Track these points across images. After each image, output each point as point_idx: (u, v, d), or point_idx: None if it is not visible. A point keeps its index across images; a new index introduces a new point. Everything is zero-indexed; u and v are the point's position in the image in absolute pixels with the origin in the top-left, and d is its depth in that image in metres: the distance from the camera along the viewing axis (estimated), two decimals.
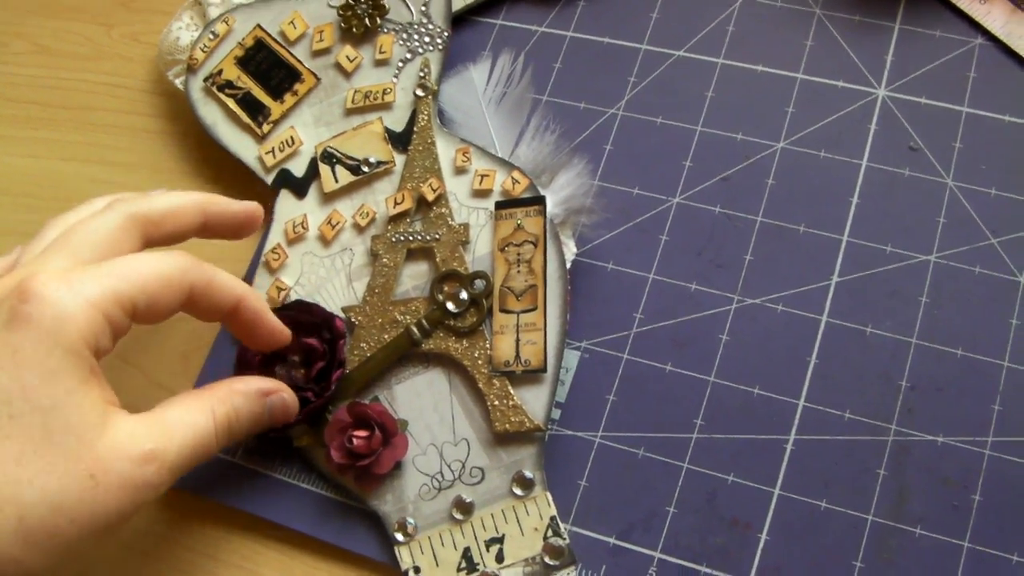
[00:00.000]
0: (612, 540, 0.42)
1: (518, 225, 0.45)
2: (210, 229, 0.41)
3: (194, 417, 0.37)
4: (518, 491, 0.42)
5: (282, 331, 0.42)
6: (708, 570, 0.40)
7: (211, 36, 0.52)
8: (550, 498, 0.42)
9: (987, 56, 0.48)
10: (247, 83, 0.51)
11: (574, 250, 0.45)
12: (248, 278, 0.49)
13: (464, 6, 0.53)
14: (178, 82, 0.54)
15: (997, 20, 0.48)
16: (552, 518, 0.42)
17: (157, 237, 0.39)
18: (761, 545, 0.40)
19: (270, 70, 0.51)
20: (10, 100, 0.58)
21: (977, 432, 0.41)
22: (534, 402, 0.43)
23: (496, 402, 0.43)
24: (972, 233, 0.45)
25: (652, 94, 0.50)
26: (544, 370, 0.43)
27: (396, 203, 0.47)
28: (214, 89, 0.52)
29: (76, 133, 0.57)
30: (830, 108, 0.48)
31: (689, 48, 0.51)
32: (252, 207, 0.42)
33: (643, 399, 0.44)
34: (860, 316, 0.44)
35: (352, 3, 0.51)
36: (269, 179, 0.50)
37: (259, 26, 0.52)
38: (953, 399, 0.42)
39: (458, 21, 0.52)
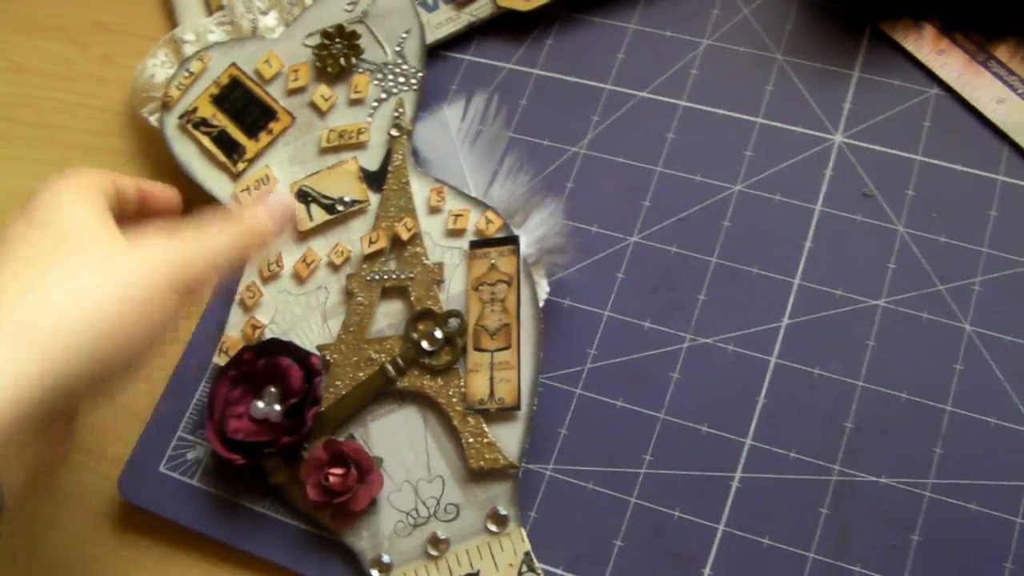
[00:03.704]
0: (560, 571, 0.42)
1: (492, 264, 0.46)
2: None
3: (210, 236, 0.39)
4: (492, 527, 0.43)
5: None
6: None
7: (186, 74, 0.53)
8: (524, 534, 0.43)
9: (942, 106, 0.49)
10: (222, 121, 0.52)
11: (547, 289, 0.46)
12: (223, 316, 0.49)
13: (435, 40, 0.54)
14: (153, 119, 0.54)
15: (953, 71, 0.50)
16: (526, 553, 0.42)
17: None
18: None
19: (245, 108, 0.52)
20: None
21: (919, 474, 0.42)
22: (508, 439, 0.44)
23: (471, 439, 0.44)
24: (921, 279, 0.46)
25: (615, 134, 0.51)
26: (518, 408, 0.44)
27: (371, 242, 0.48)
28: (189, 127, 0.52)
29: (49, 152, 0.57)
30: (788, 153, 0.49)
31: (652, 89, 0.52)
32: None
33: (594, 433, 0.45)
34: (808, 358, 0.45)
35: (327, 43, 0.52)
36: None
37: (234, 64, 0.53)
38: (896, 441, 0.43)
39: (428, 55, 0.52)
